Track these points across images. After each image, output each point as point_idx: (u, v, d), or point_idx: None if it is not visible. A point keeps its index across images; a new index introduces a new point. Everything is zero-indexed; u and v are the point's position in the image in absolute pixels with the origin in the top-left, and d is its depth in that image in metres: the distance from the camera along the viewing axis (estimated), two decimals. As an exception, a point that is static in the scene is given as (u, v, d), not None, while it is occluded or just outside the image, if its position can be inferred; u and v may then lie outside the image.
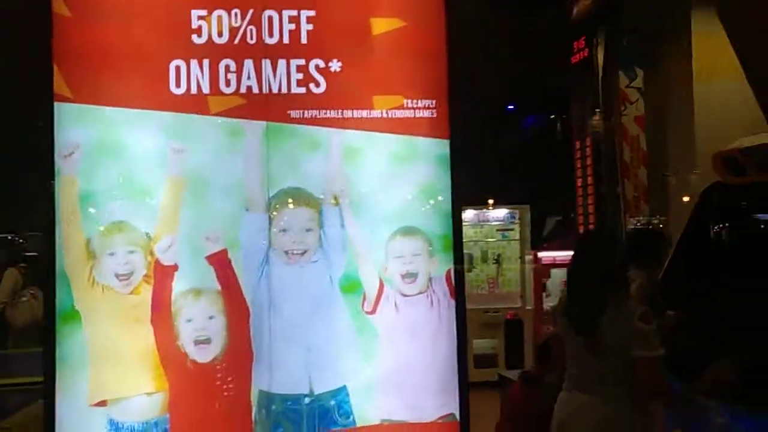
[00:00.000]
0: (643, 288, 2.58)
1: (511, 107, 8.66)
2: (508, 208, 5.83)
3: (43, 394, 1.70)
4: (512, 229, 5.80)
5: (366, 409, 1.79)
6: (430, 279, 1.84)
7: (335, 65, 1.83)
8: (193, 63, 1.78)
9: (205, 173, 1.77)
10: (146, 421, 1.71)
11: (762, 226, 3.31)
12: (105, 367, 1.70)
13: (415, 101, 1.86)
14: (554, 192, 7.50)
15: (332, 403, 1.78)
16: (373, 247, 1.83)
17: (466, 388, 1.83)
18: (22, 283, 4.17)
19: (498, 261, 5.61)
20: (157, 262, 1.74)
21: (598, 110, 5.41)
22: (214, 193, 1.77)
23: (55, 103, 1.73)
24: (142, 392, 1.71)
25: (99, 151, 1.74)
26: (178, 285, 1.74)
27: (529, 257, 5.66)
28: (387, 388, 1.80)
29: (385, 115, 1.85)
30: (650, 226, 4.12)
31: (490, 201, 6.72)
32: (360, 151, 1.84)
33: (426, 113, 1.87)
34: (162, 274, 1.74)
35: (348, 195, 1.82)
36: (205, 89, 1.79)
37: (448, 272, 1.86)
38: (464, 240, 2.38)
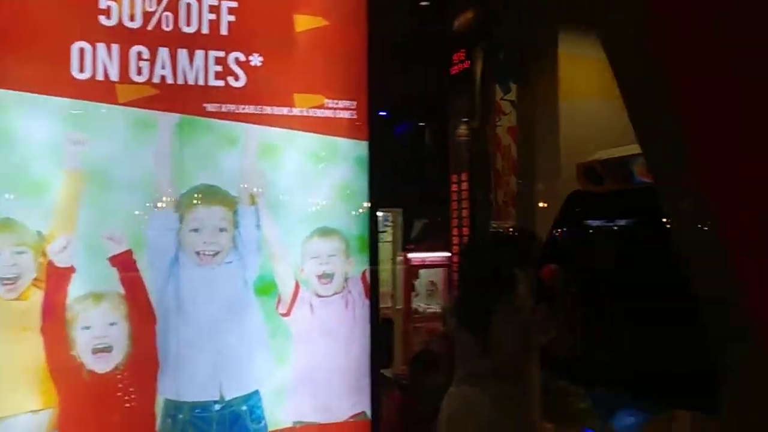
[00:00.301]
0: (526, 284, 2.79)
1: (384, 113, 8.89)
2: (382, 212, 5.99)
3: None
4: (385, 232, 5.98)
5: (278, 413, 1.75)
6: (346, 279, 1.84)
7: (256, 60, 1.77)
8: (100, 47, 1.62)
9: (110, 167, 1.63)
10: (34, 440, 1.53)
11: (615, 228, 3.73)
12: (-18, 382, 1.50)
13: (335, 101, 1.85)
14: (428, 196, 7.82)
15: (244, 408, 1.72)
16: (290, 248, 1.79)
17: (377, 386, 1.86)
18: None
19: None
20: (50, 264, 1.56)
21: (474, 120, 5.73)
22: (119, 190, 1.63)
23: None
24: (26, 410, 1.53)
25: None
26: (75, 289, 1.58)
27: (399, 258, 5.88)
28: (300, 391, 1.78)
29: (305, 114, 1.82)
30: (522, 229, 4.45)
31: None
32: (278, 150, 1.79)
33: (346, 114, 1.87)
34: (56, 278, 1.57)
35: (265, 194, 1.77)
36: (113, 76, 1.64)
37: (364, 273, 1.87)
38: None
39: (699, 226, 1.90)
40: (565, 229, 3.85)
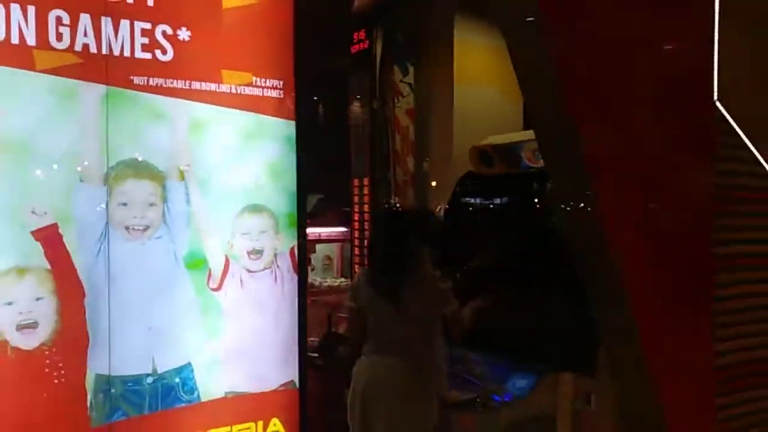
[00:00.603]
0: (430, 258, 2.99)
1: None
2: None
3: None
4: None
5: (211, 384, 1.80)
6: (275, 255, 1.91)
7: (184, 34, 1.76)
8: (14, 7, 1.54)
9: (31, 138, 1.56)
10: None
11: (503, 208, 4.07)
12: None
13: (263, 80, 1.89)
14: (327, 173, 7.88)
15: (176, 380, 1.75)
16: (219, 223, 1.83)
17: (305, 357, 1.96)
18: None
19: None
20: (-34, 237, 1.49)
21: (375, 100, 5.85)
22: (41, 162, 1.57)
23: None
24: None
25: None
26: (-5, 264, 1.52)
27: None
28: (231, 362, 1.83)
29: (233, 91, 1.84)
30: (424, 208, 4.70)
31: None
32: (207, 126, 1.81)
33: (274, 93, 1.91)
34: None
35: (193, 170, 1.78)
36: (30, 41, 1.56)
37: (292, 248, 1.95)
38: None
39: (582, 206, 2.16)
40: (458, 207, 4.13)
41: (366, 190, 5.87)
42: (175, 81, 1.75)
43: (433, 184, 5.48)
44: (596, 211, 1.94)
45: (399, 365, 1.94)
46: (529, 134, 3.96)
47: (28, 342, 1.55)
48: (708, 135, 1.92)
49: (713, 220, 1.95)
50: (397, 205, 5.60)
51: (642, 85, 1.90)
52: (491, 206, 4.20)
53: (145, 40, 1.71)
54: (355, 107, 6.17)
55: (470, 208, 4.21)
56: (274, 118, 1.91)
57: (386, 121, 5.86)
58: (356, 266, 5.60)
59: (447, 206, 4.12)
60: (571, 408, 3.03)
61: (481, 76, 5.21)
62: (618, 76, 1.88)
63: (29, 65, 1.57)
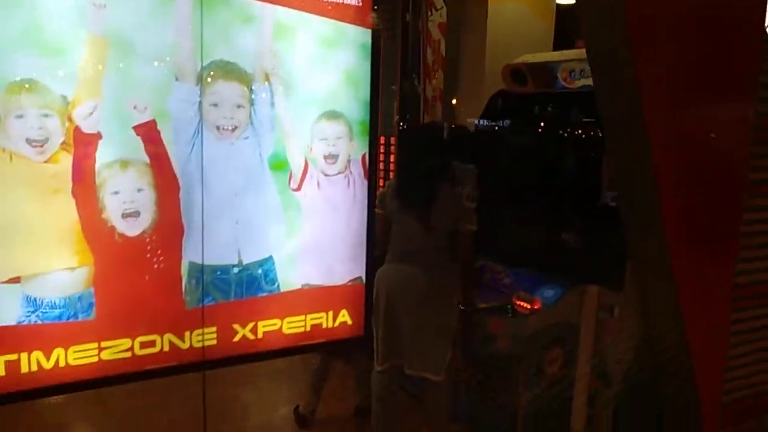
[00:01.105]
0: (463, 173, 3.07)
1: None
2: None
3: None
4: None
5: (289, 276, 1.95)
6: (348, 161, 2.00)
7: (272, -64, 1.77)
8: None
9: (132, 36, 1.62)
10: (69, 296, 1.62)
11: (532, 125, 4.13)
12: (16, 241, 1.55)
13: (343, -14, 1.91)
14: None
15: (259, 271, 1.89)
16: (300, 128, 1.91)
17: (371, 255, 2.10)
18: None
19: None
20: (77, 129, 1.58)
21: (408, 12, 5.73)
22: (142, 59, 1.64)
23: None
24: (63, 267, 1.61)
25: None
26: (103, 155, 1.62)
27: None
28: (307, 257, 1.97)
29: (316, -3, 1.87)
30: (457, 124, 4.73)
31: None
32: (291, 30, 1.85)
33: (352, 1, 1.94)
34: (83, 143, 1.59)
35: (278, 74, 1.84)
36: (133, -63, 1.59)
37: (363, 155, 2.04)
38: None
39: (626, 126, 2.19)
40: (488, 124, 4.18)
41: (395, 103, 5.88)
42: (262, -16, 1.78)
43: (458, 101, 5.47)
44: (639, 130, 1.97)
45: (420, 273, 2.03)
46: (566, 54, 3.94)
47: (132, 229, 1.68)
48: (752, 61, 1.92)
49: (750, 146, 1.99)
50: (427, 119, 5.64)
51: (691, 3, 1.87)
52: (522, 125, 4.24)
53: (237, -59, 1.73)
54: (385, 17, 6.03)
55: (501, 126, 4.26)
56: (352, 26, 1.95)
57: (418, 33, 5.77)
58: (380, 179, 5.71)
59: (477, 123, 4.17)
60: (595, 317, 3.24)
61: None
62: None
63: (130, -38, 1.60)
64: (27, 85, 1.51)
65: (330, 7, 1.89)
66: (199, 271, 1.79)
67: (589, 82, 3.91)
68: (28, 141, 1.53)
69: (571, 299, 3.36)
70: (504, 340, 3.16)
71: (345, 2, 1.92)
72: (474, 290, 3.00)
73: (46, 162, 1.55)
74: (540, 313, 3.17)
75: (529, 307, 3.14)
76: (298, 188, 1.93)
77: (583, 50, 4.09)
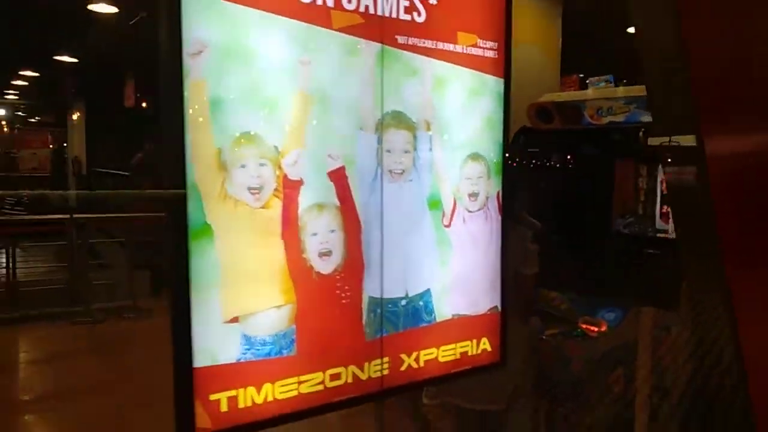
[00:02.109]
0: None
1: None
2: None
3: (175, 312, 1.57)
4: None
5: (442, 307, 2.09)
6: (486, 197, 2.19)
7: (433, -2, 1.97)
8: (318, -28, 1.72)
9: (328, 90, 1.77)
10: (276, 333, 1.72)
11: (554, 161, 4.45)
12: (237, 282, 1.65)
13: (484, 41, 2.12)
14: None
15: (420, 303, 2.03)
16: (450, 169, 2.08)
17: (505, 284, 2.27)
18: None
19: None
20: (285, 176, 1.71)
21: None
22: (335, 111, 1.79)
23: (182, -9, 1.51)
24: (272, 306, 1.72)
25: (227, 53, 1.59)
26: (304, 200, 1.75)
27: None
28: (456, 289, 2.13)
29: (464, 51, 2.07)
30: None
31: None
32: (446, 82, 2.04)
33: (490, 53, 2.15)
34: (290, 189, 1.72)
35: (435, 122, 2.02)
36: (329, 2, 1.75)
37: (498, 192, 2.23)
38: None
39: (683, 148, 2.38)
40: (515, 158, 4.46)
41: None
42: (425, 41, 1.97)
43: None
44: (699, 149, 2.15)
45: None
46: (592, 93, 4.29)
47: (326, 267, 1.80)
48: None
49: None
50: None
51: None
52: (550, 160, 4.56)
53: (407, 3, 1.91)
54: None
55: (532, 162, 4.57)
56: (491, 76, 2.15)
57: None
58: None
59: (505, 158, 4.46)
60: (652, 336, 3.49)
61: (526, 35, 5.45)
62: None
63: (328, 24, 1.76)
64: (248, 138, 1.64)
65: (476, 60, 2.10)
66: (376, 304, 1.92)
67: (616, 118, 4.27)
68: (249, 189, 1.64)
69: (630, 320, 3.62)
70: (578, 363, 3.37)
71: (486, 55, 2.13)
72: (537, 318, 3.22)
73: (261, 208, 1.67)
74: (605, 336, 3.40)
75: (596, 330, 3.36)
76: (449, 225, 2.09)
77: (609, 89, 4.46)
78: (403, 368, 2.01)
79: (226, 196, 1.61)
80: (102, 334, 6.25)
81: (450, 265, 2.10)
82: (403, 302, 1.99)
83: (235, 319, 1.65)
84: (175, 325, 1.58)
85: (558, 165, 4.60)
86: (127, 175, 13.07)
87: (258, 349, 1.69)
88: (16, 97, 19.81)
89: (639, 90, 3.72)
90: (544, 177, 4.54)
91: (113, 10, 6.87)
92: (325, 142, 1.78)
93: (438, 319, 2.08)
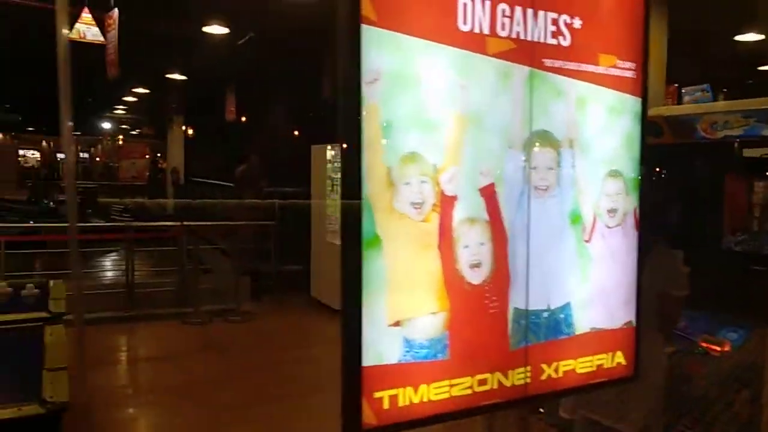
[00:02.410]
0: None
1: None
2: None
3: (346, 314, 1.73)
4: None
5: (581, 320, 2.15)
6: (624, 213, 2.23)
7: (577, 22, 2.05)
8: (477, 2, 1.85)
9: (482, 111, 1.89)
10: (431, 338, 1.85)
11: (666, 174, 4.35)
12: (400, 289, 1.79)
13: (623, 62, 2.18)
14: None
15: (561, 316, 2.10)
16: (591, 186, 2.15)
17: (641, 300, 2.29)
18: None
19: None
20: (442, 192, 1.84)
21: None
22: (487, 131, 1.90)
23: (362, 26, 1.68)
24: (428, 312, 1.84)
25: (397, 79, 1.74)
26: (458, 214, 1.87)
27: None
28: (595, 303, 2.18)
29: (605, 72, 2.13)
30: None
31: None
32: (588, 101, 2.11)
33: (629, 74, 2.20)
34: (446, 204, 1.84)
35: (578, 140, 2.10)
36: (486, 30, 1.88)
37: (635, 208, 2.26)
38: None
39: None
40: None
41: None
42: (569, 63, 2.05)
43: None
44: None
45: None
46: (705, 107, 4.18)
47: (476, 278, 1.91)
48: None
49: None
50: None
51: None
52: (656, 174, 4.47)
53: (553, 28, 2.01)
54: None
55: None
56: (630, 96, 2.20)
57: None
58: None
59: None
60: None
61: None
62: None
63: (483, 50, 1.88)
64: (412, 157, 1.78)
65: (616, 81, 2.16)
66: (521, 315, 2.01)
67: (732, 132, 4.13)
68: (412, 203, 1.78)
69: (755, 340, 3.50)
70: (700, 382, 3.30)
71: (625, 75, 2.18)
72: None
73: (422, 221, 1.81)
74: (729, 356, 3.31)
75: (719, 349, 3.28)
76: (589, 240, 2.15)
77: (723, 103, 4.33)
78: (543, 377, 2.08)
79: (393, 210, 1.76)
80: (211, 334, 6.65)
81: (589, 279, 2.16)
82: (546, 314, 2.06)
83: (397, 323, 1.79)
84: (347, 326, 1.73)
85: (662, 179, 4.52)
86: (221, 184, 13.74)
87: (417, 352, 1.82)
88: (124, 112, 21.34)
89: (760, 102, 3.61)
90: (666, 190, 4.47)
91: (224, 30, 7.34)
92: (477, 160, 1.89)
93: (577, 332, 2.14)
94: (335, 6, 1.69)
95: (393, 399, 1.80)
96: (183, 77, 9.98)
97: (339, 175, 6.49)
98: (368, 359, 1.75)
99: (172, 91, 13.48)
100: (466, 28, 1.84)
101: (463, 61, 1.85)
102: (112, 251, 10.02)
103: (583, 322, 2.15)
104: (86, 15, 6.15)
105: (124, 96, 16.43)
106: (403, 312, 1.80)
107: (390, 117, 1.74)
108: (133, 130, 25.06)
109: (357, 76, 1.68)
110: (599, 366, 2.20)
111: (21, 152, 24.61)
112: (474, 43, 1.86)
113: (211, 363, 5.64)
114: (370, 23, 1.68)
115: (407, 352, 1.81)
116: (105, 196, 18.16)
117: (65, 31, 3.60)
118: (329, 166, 7.43)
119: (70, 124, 2.20)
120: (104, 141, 26.90)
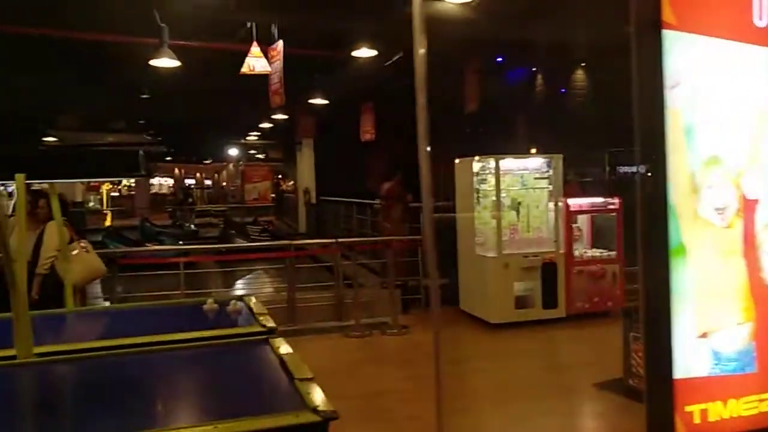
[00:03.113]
0: None
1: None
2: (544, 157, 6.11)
3: (654, 325, 1.69)
4: (546, 178, 6.10)
5: None
6: None
7: None
8: (769, -3, 1.76)
9: (777, 108, 1.79)
10: (739, 350, 1.75)
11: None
12: (706, 299, 1.72)
13: None
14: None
15: None
16: None
17: None
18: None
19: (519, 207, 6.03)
20: (743, 196, 1.75)
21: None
22: (784, 129, 1.79)
23: (663, 31, 1.65)
24: (735, 323, 1.75)
25: (697, 82, 1.69)
26: (760, 218, 1.77)
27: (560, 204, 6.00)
28: None
29: None
30: None
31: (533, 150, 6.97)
32: None
33: None
34: (748, 208, 1.75)
35: None
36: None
37: None
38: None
39: None
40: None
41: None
42: None
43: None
44: None
45: None
46: None
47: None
48: None
49: None
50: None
51: None
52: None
53: None
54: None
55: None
56: None
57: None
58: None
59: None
60: None
61: None
62: None
63: (780, 44, 1.78)
64: (714, 160, 1.71)
65: None
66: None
67: None
68: (715, 209, 1.71)
69: None
70: None
71: None
72: None
73: (725, 227, 1.73)
74: None
75: None
76: None
77: None
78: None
79: (696, 216, 1.70)
80: (375, 346, 6.82)
81: None
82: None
83: (704, 335, 1.72)
84: (654, 338, 1.69)
85: None
86: (353, 201, 14.13)
87: (725, 365, 1.74)
88: (255, 138, 22.67)
89: None
90: None
91: (373, 53, 7.58)
92: (781, 159, 1.79)
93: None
94: (632, 12, 1.68)
95: (703, 413, 1.72)
96: (324, 101, 10.42)
97: (484, 187, 6.48)
98: (678, 372, 1.69)
99: (308, 114, 14.11)
100: (761, 24, 1.76)
101: (761, 57, 1.76)
102: (257, 269, 10.63)
103: None
104: (255, 48, 6.60)
105: (260, 123, 17.43)
106: (710, 323, 1.73)
107: (691, 120, 1.69)
108: (260, 154, 26.60)
109: (660, 81, 1.65)
110: None
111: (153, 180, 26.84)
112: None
113: (384, 375, 5.77)
114: (671, 27, 1.65)
115: (716, 365, 1.73)
116: (236, 217, 19.37)
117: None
118: (475, 178, 7.41)
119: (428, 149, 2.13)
120: (227, 167, 28.85)
